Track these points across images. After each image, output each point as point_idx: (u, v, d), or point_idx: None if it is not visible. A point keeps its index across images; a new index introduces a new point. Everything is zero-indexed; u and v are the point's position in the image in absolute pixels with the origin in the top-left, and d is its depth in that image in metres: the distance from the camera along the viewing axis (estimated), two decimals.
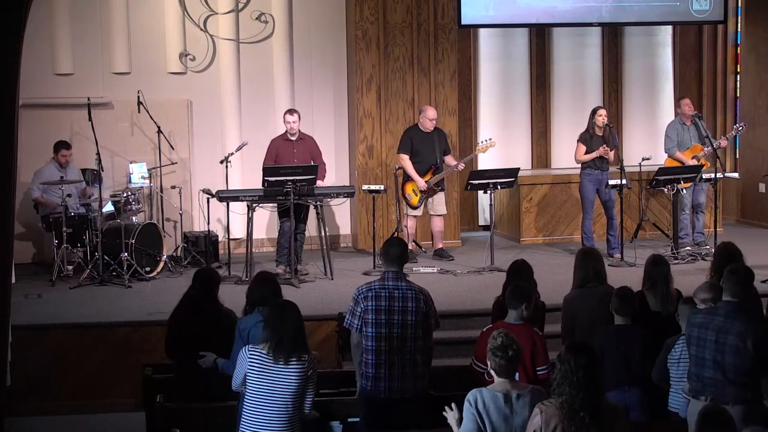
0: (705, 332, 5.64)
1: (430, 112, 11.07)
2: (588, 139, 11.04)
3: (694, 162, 11.21)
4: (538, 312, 6.94)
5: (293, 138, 10.54)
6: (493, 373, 5.03)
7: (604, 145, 10.90)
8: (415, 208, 11.08)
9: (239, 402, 5.86)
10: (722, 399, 5.51)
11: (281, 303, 5.76)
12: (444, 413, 5.11)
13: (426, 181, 10.97)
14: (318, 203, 10.34)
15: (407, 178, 11.00)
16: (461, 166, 11.06)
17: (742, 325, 5.57)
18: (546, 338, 6.34)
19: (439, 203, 11.18)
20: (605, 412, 4.70)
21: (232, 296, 6.99)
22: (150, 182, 11.20)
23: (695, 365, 5.68)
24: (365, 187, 11.09)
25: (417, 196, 11.03)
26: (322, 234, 10.39)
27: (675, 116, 11.94)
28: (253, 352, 5.54)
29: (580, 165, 11.13)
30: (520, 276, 6.92)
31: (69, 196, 10.31)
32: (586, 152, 10.98)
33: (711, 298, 5.89)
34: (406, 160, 10.98)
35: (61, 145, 10.75)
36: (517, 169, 11.04)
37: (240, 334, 6.15)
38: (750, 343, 5.51)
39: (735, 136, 13.25)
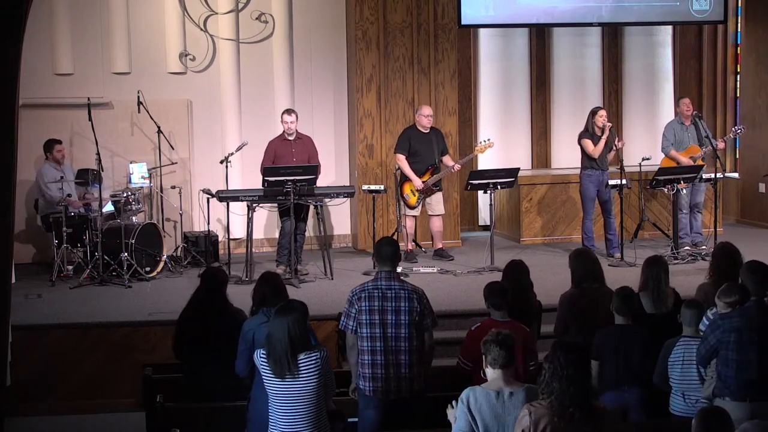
0: (747, 335, 5.63)
1: (426, 110, 11.08)
2: (589, 137, 11.04)
3: (690, 163, 11.20)
4: (534, 313, 6.94)
5: (291, 138, 10.53)
6: (488, 368, 4.98)
7: (614, 137, 10.92)
8: (412, 208, 11.08)
9: (249, 402, 5.89)
10: (763, 396, 5.54)
11: (281, 308, 5.57)
12: (447, 410, 5.08)
13: (424, 182, 10.97)
14: (318, 203, 10.34)
15: (405, 179, 11.00)
16: (457, 167, 11.06)
17: None
18: (543, 338, 6.33)
19: (436, 203, 11.18)
20: (595, 410, 4.68)
21: (232, 296, 6.98)
22: (150, 182, 11.20)
23: (737, 369, 5.64)
24: (365, 187, 11.10)
25: (415, 196, 11.03)
26: (322, 234, 10.39)
27: (675, 116, 11.94)
28: (264, 357, 5.48)
29: (579, 166, 11.13)
30: (520, 275, 6.93)
31: (69, 196, 10.32)
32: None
33: (739, 299, 5.82)
34: (402, 160, 10.98)
35: (53, 142, 10.71)
36: (517, 169, 11.04)
37: (244, 336, 6.11)
38: None
39: (734, 139, 13.25)
